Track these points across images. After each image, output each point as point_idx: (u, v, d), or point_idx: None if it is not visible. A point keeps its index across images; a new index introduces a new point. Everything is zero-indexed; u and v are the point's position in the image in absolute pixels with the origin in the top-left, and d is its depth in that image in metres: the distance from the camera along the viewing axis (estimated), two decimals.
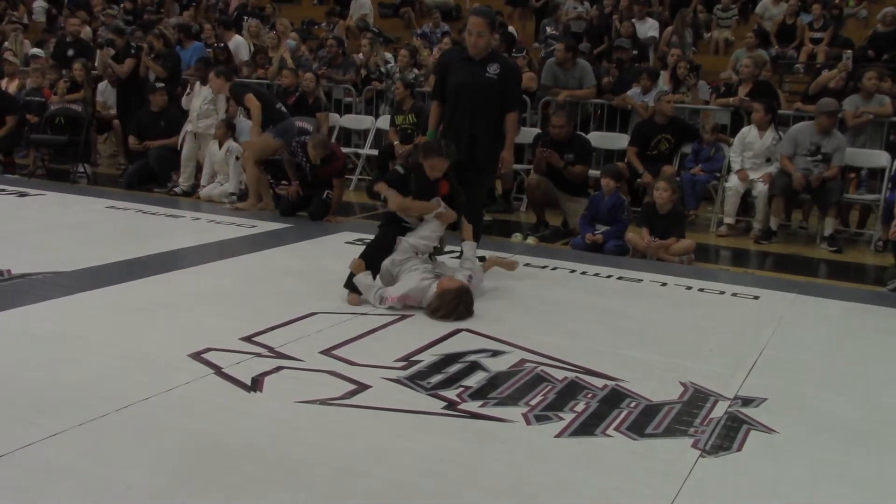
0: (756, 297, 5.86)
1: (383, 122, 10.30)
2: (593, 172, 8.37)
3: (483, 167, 6.02)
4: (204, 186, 9.02)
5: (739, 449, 3.45)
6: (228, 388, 3.81)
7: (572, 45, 9.74)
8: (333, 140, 9.80)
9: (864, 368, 4.56)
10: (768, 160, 8.23)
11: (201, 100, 9.28)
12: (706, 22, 13.43)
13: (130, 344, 4.29)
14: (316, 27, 14.83)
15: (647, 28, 12.12)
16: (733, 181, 8.23)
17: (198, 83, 9.40)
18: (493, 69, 5.84)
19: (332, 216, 7.90)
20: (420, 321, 4.91)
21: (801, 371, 4.43)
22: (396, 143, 9.30)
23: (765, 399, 3.96)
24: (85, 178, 10.01)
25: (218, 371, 3.97)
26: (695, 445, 3.45)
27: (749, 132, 8.33)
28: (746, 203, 8.46)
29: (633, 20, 12.07)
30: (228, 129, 8.99)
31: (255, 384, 3.85)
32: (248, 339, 4.42)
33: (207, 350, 4.20)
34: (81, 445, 3.19)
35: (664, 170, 8.16)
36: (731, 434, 3.58)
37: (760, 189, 8.05)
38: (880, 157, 8.17)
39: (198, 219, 7.83)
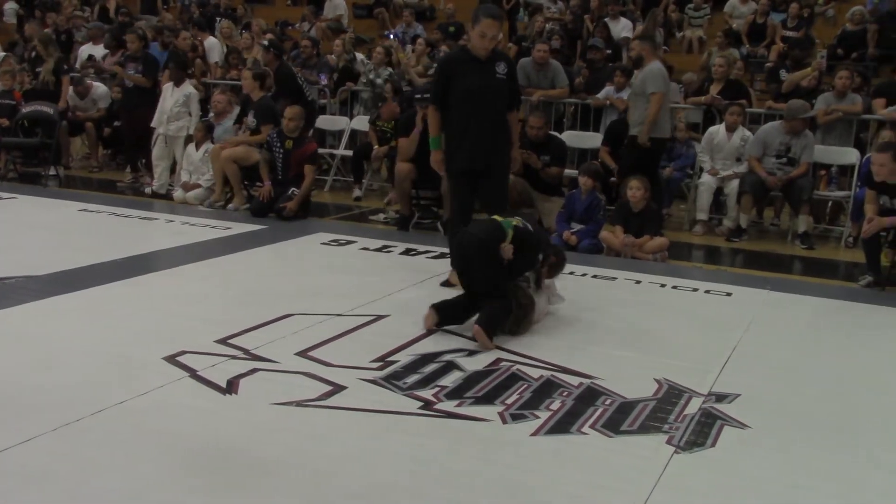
0: (729, 294, 5.92)
1: (358, 122, 10.29)
2: (569, 172, 8.42)
3: (505, 168, 5.76)
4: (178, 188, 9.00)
5: (713, 444, 3.49)
6: (203, 390, 3.79)
7: (558, 45, 9.79)
8: None
9: (837, 364, 4.62)
10: (738, 160, 8.30)
11: (173, 102, 9.24)
12: (678, 21, 13.54)
13: (104, 348, 4.26)
14: (290, 28, 14.78)
15: (621, 28, 12.17)
16: (705, 178, 8.30)
17: (170, 85, 9.35)
18: (501, 69, 5.57)
19: (291, 205, 7.81)
20: (395, 322, 4.90)
21: (773, 367, 4.48)
22: (376, 146, 9.29)
23: (738, 395, 4.00)
24: (57, 181, 9.92)
25: (193, 374, 3.95)
26: (669, 442, 3.48)
27: (717, 133, 8.40)
28: (718, 201, 8.54)
29: (607, 20, 12.13)
30: (207, 132, 8.96)
31: (231, 387, 3.83)
32: (223, 341, 4.40)
33: (182, 353, 4.18)
34: (56, 450, 3.17)
35: None
36: (705, 430, 3.61)
37: (732, 187, 8.12)
38: (850, 155, 8.28)
39: (172, 221, 7.79)
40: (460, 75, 5.54)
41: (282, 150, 7.98)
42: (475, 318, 4.63)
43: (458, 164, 5.61)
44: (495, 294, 4.69)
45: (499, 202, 5.65)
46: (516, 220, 4.86)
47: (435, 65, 10.60)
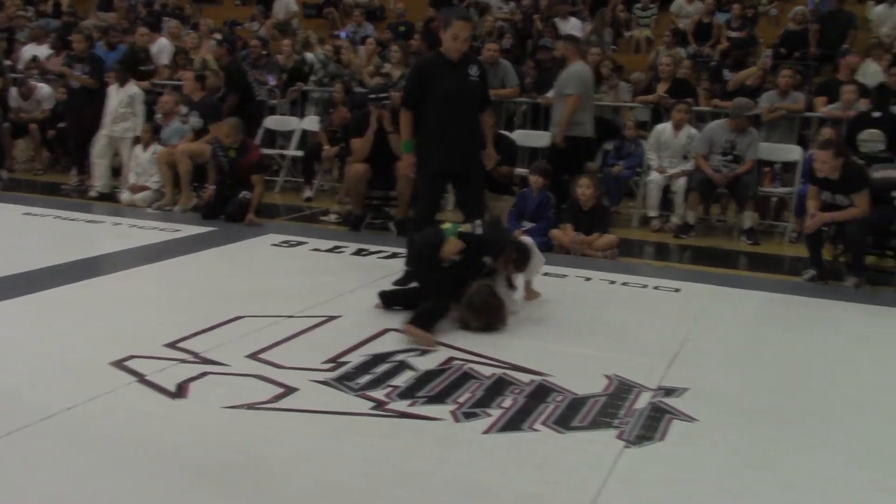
0: (677, 290, 6.01)
1: (308, 123, 10.24)
2: (520, 170, 8.47)
3: (482, 171, 5.89)
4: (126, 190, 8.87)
5: (662, 438, 3.54)
6: (153, 395, 3.75)
7: (509, 45, 9.89)
8: (258, 141, 9.72)
9: (783, 357, 4.71)
10: (685, 157, 8.43)
11: (117, 102, 9.09)
12: (626, 21, 13.68)
13: (51, 353, 4.19)
14: (239, 27, 14.64)
15: (570, 27, 12.25)
16: (654, 175, 8.43)
17: (115, 85, 9.21)
18: (474, 71, 5.69)
19: (251, 216, 7.72)
20: (347, 323, 4.89)
21: (721, 361, 4.56)
22: (326, 146, 9.26)
23: (686, 389, 4.06)
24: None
25: (141, 378, 3.90)
26: (619, 436, 3.53)
27: (664, 131, 8.53)
28: (666, 198, 8.66)
29: (556, 19, 12.22)
30: (154, 133, 8.83)
31: (181, 391, 3.79)
32: (171, 345, 4.35)
33: (130, 357, 4.13)
34: (4, 456, 3.11)
35: (587, 166, 8.31)
36: (654, 424, 3.66)
37: (679, 184, 8.25)
38: (793, 152, 8.45)
39: (119, 224, 7.67)
40: (436, 78, 5.60)
41: (227, 158, 7.86)
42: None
43: (434, 165, 5.65)
44: (433, 295, 4.83)
45: (477, 206, 5.80)
46: (464, 227, 4.98)
47: (385, 64, 10.66)
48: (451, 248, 4.87)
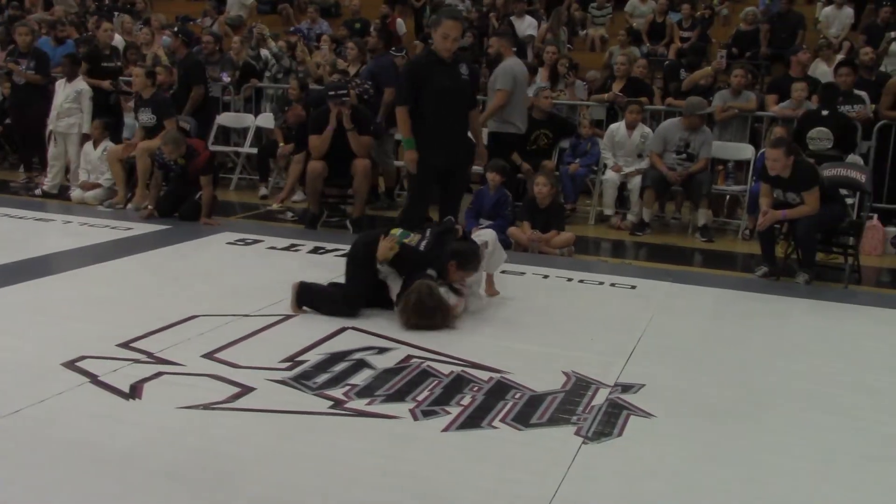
0: (633, 287, 6.06)
1: (263, 120, 10.14)
2: (477, 168, 8.48)
3: (467, 168, 6.07)
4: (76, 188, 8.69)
5: (620, 434, 3.56)
6: (105, 396, 3.68)
7: (468, 44, 9.95)
8: (212, 139, 9.62)
9: (737, 352, 4.76)
10: (640, 156, 8.51)
11: (63, 98, 8.92)
12: (582, 20, 13.79)
13: None
14: (191, 23, 14.45)
15: (526, 26, 12.31)
16: (610, 174, 8.49)
17: (62, 80, 9.04)
18: (464, 70, 5.86)
19: (205, 217, 7.59)
20: (305, 321, 4.86)
21: (676, 356, 4.60)
22: (282, 144, 9.18)
23: (643, 385, 4.09)
24: None
25: (94, 379, 3.82)
26: (578, 433, 3.54)
27: (617, 130, 8.61)
28: (622, 196, 8.74)
29: (512, 18, 12.25)
30: (105, 130, 8.67)
31: (134, 391, 3.72)
32: (125, 345, 4.27)
33: (82, 358, 4.05)
34: None
35: (543, 164, 8.35)
36: (611, 420, 3.68)
37: (635, 182, 8.33)
38: (745, 150, 8.57)
39: (69, 222, 7.53)
40: (432, 77, 5.74)
41: (176, 165, 7.70)
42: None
43: (433, 162, 5.74)
44: (349, 290, 5.01)
45: (457, 204, 6.00)
46: (411, 238, 4.98)
47: (340, 61, 10.62)
48: (386, 245, 4.90)
